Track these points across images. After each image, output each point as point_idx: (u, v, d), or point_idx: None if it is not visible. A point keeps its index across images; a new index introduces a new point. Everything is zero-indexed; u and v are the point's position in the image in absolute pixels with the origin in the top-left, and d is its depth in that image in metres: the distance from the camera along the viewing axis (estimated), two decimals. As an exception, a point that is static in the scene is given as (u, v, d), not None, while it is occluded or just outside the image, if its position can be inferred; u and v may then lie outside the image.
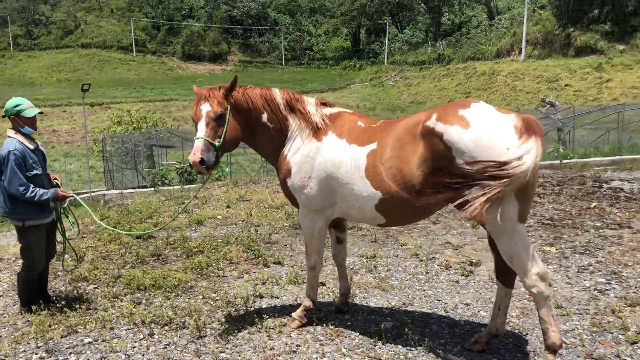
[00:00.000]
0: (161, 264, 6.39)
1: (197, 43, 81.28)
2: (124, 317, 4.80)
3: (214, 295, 5.33)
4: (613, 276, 5.57)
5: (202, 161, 4.01)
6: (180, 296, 5.33)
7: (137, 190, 17.51)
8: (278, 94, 4.47)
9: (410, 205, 3.82)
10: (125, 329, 4.60)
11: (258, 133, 4.46)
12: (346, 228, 4.82)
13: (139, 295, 5.38)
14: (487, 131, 3.47)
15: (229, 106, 4.22)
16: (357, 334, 4.41)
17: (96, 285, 5.73)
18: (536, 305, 3.65)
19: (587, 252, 6.36)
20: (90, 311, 5.02)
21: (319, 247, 4.49)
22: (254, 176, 14.30)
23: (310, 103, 4.48)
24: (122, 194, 16.82)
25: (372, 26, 77.88)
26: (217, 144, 4.12)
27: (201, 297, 5.29)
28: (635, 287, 5.27)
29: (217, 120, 4.15)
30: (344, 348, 4.16)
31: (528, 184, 3.49)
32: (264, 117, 4.40)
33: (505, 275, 3.94)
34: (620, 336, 4.27)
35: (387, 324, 4.52)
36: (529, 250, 3.57)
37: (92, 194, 19.16)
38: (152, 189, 16.09)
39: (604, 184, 9.88)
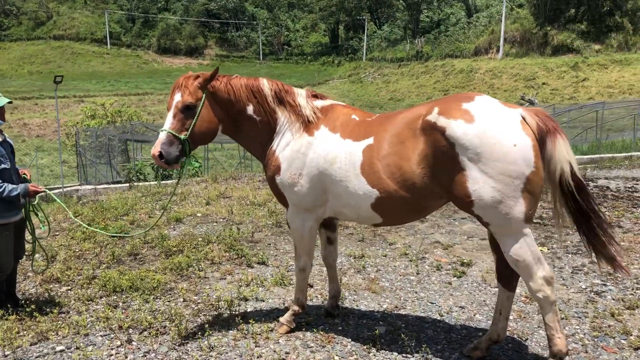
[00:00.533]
0: (139, 264, 6.07)
1: (173, 36, 79.92)
2: (100, 322, 4.48)
3: (196, 297, 5.04)
4: (608, 277, 5.43)
5: (160, 155, 3.82)
6: (160, 299, 5.03)
7: (112, 185, 17.03)
8: (266, 85, 4.18)
9: (409, 204, 3.59)
10: (100, 335, 4.28)
11: (243, 126, 4.19)
12: (337, 227, 4.57)
13: (115, 297, 5.05)
14: (493, 126, 3.25)
15: (203, 97, 3.97)
16: (350, 339, 4.17)
17: (69, 287, 5.39)
18: (541, 310, 3.46)
19: (580, 252, 6.22)
20: (63, 315, 4.69)
21: (309, 248, 4.22)
22: (233, 172, 13.95)
23: (300, 95, 4.19)
24: (95, 189, 16.31)
25: (350, 22, 77.62)
26: (182, 137, 3.90)
27: (182, 299, 4.99)
28: (632, 289, 5.13)
29: (186, 112, 3.92)
30: (336, 355, 3.91)
31: (541, 185, 3.29)
32: (250, 109, 4.12)
33: (507, 278, 3.73)
34: (622, 341, 4.11)
35: (380, 329, 4.28)
36: (535, 252, 3.36)
37: (65, 189, 18.58)
38: (127, 184, 15.63)
39: (589, 182, 9.81)
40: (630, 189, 9.48)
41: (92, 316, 4.63)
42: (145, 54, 79.79)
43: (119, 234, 6.73)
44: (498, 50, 54.83)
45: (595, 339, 4.14)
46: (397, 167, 3.54)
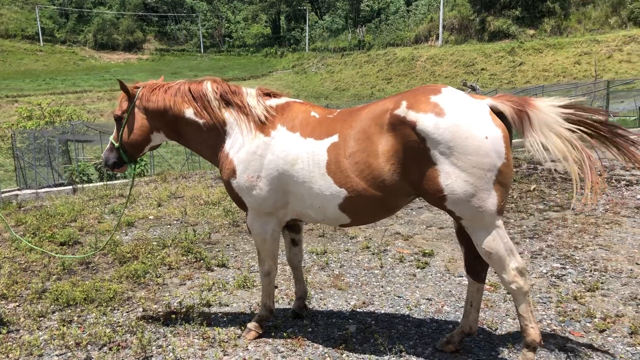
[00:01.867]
0: (91, 273, 5.77)
1: (110, 31, 77.38)
2: (54, 340, 4.19)
3: (156, 306, 4.82)
4: (567, 260, 5.54)
5: (105, 160, 4.29)
6: (118, 310, 4.78)
7: (54, 189, 16.29)
8: (209, 88, 4.06)
9: (379, 202, 3.51)
10: (56, 355, 4.01)
11: (184, 131, 4.13)
12: (302, 229, 4.44)
13: (69, 311, 4.76)
14: (464, 119, 3.20)
15: (129, 108, 4.16)
16: (321, 341, 4.07)
17: (17, 303, 5.05)
18: (515, 301, 3.44)
19: (537, 236, 6.34)
20: (13, 335, 4.37)
21: (273, 251, 4.08)
22: (182, 170, 13.59)
23: (250, 95, 4.04)
24: (37, 193, 15.55)
25: (291, 12, 77.32)
26: (116, 145, 4.22)
27: (141, 309, 4.76)
28: (590, 271, 5.25)
29: (117, 122, 4.25)
30: (309, 358, 3.81)
31: (511, 176, 3.28)
32: (189, 113, 4.04)
33: (476, 270, 3.71)
34: (588, 324, 4.18)
35: (351, 328, 4.21)
36: (507, 244, 3.34)
37: (3, 194, 17.68)
38: (71, 187, 15.00)
39: (538, 165, 10.05)
40: (576, 171, 9.76)
41: (45, 334, 4.34)
42: (82, 50, 76.96)
43: (69, 256, 6.39)
44: (437, 38, 55.85)
45: (562, 324, 4.19)
46: (366, 165, 3.44)
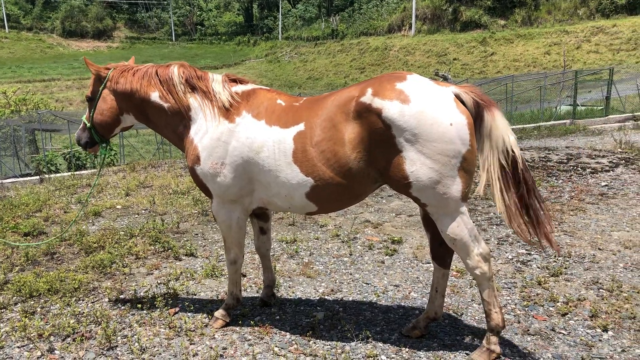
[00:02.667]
0: (56, 264, 5.66)
1: (78, 18, 75.52)
2: (16, 332, 4.10)
3: (122, 296, 4.76)
4: (532, 246, 5.62)
5: (77, 139, 4.36)
6: (83, 300, 4.70)
7: (20, 179, 15.94)
8: (175, 72, 4.04)
9: (346, 190, 3.50)
10: (18, 347, 3.93)
11: (150, 114, 4.13)
12: (270, 217, 4.42)
13: (32, 303, 4.67)
14: (429, 106, 3.21)
15: (100, 89, 4.19)
16: (288, 328, 4.07)
17: (-22, 295, 4.94)
18: (479, 286, 3.49)
19: (503, 223, 6.42)
20: (-27, 327, 4.28)
21: (238, 239, 4.05)
22: (152, 159, 13.41)
23: (215, 80, 4.01)
24: (2, 184, 15.22)
25: (264, 1, 76.64)
26: (88, 124, 4.26)
27: (107, 300, 4.69)
28: (554, 256, 5.35)
29: (89, 102, 4.29)
30: (276, 347, 3.80)
31: (475, 163, 3.31)
32: (155, 96, 4.03)
33: (442, 256, 3.75)
34: (550, 308, 4.26)
35: (319, 315, 4.22)
36: (472, 230, 3.38)
37: (-33, 185, 17.22)
38: (38, 177, 14.69)
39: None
40: (543, 159, 9.92)
41: (6, 326, 4.25)
42: (49, 37, 75.04)
43: (25, 244, 6.25)
44: (410, 28, 55.96)
45: (526, 309, 4.26)
46: (333, 153, 3.43)
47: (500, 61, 45.93)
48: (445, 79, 27.51)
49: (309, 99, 3.86)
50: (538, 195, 3.47)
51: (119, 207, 7.83)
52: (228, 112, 3.85)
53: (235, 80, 4.08)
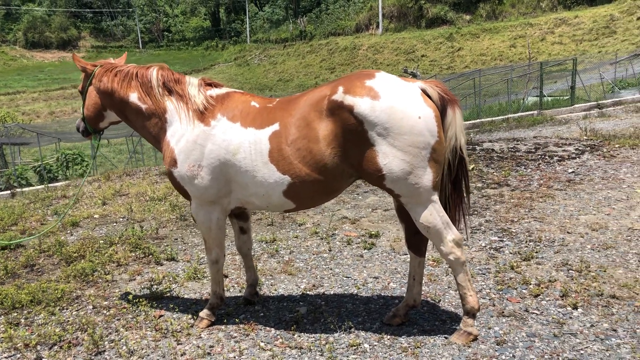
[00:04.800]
0: (37, 275, 5.66)
1: (41, 29, 74.19)
2: (2, 343, 4.14)
3: (106, 303, 4.80)
4: (504, 233, 5.84)
5: (77, 127, 4.62)
6: (67, 309, 4.73)
7: (-9, 195, 15.69)
8: (154, 74, 4.15)
9: (322, 186, 3.62)
10: (5, 357, 3.96)
11: (129, 114, 4.26)
12: (249, 217, 4.52)
13: (15, 314, 4.67)
14: (398, 101, 3.36)
15: (87, 85, 4.34)
16: (273, 324, 4.18)
17: (-40, 310, 4.93)
18: (453, 272, 3.65)
19: (476, 212, 6.62)
20: (-42, 342, 4.29)
21: (219, 240, 4.14)
22: (126, 168, 13.36)
23: (191, 84, 4.11)
24: (-28, 200, 14.97)
25: (231, 4, 76.36)
26: (82, 116, 4.51)
27: (91, 307, 4.73)
28: (526, 242, 5.55)
29: (82, 96, 4.47)
30: (262, 342, 3.91)
31: (444, 153, 3.47)
32: (134, 97, 4.15)
33: (417, 245, 3.90)
34: (523, 291, 4.44)
35: (302, 310, 4.33)
36: (444, 218, 3.54)
37: (-64, 203, 16.87)
38: (9, 191, 14.49)
39: (476, 146, 10.42)
40: (512, 149, 10.19)
41: (-8, 338, 4.27)
42: (12, 49, 73.57)
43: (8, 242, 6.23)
44: (378, 26, 56.39)
45: (500, 292, 4.44)
46: (308, 151, 3.55)
47: (467, 56, 46.61)
48: (414, 75, 27.85)
49: (282, 99, 3.97)
50: (466, 205, 3.86)
51: (96, 216, 7.83)
52: (203, 115, 3.94)
53: (211, 84, 4.18)
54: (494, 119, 18.49)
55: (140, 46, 76.70)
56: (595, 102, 19.88)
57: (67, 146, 23.17)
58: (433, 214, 3.50)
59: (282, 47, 61.98)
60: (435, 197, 3.52)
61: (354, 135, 3.42)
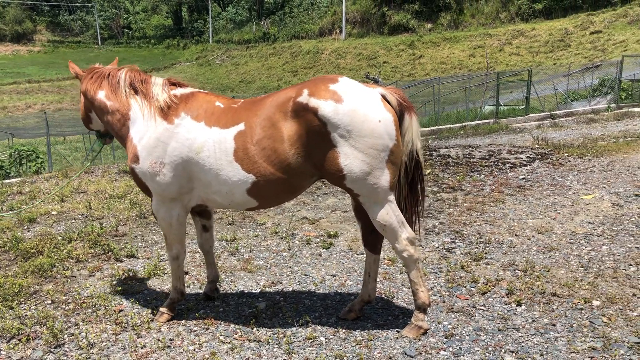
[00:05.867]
0: (-7, 270, 5.62)
1: (-5, 21, 72.14)
2: (-42, 337, 4.13)
3: (65, 297, 4.82)
4: (456, 235, 6.09)
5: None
6: (25, 303, 4.73)
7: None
8: (122, 75, 4.31)
9: (285, 185, 3.77)
10: (-38, 350, 3.97)
11: (98, 113, 4.43)
12: (212, 216, 4.63)
13: (-29, 309, 4.66)
14: (360, 104, 3.54)
15: (80, 89, 4.56)
16: (232, 318, 4.29)
17: None
18: (406, 268, 3.84)
19: (430, 215, 6.87)
20: None
21: (179, 236, 4.24)
22: (82, 166, 13.18)
23: (156, 84, 4.22)
24: None
25: (193, 3, 75.74)
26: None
27: (50, 301, 4.75)
28: (476, 243, 5.82)
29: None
30: (221, 335, 4.02)
31: (401, 155, 3.67)
32: (101, 94, 4.33)
33: (372, 243, 4.09)
34: (472, 289, 4.68)
35: (261, 305, 4.47)
36: (399, 217, 3.73)
37: None
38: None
39: (433, 152, 10.74)
40: (467, 156, 10.55)
41: (-53, 331, 4.25)
42: (-37, 41, 71.09)
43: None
44: (341, 31, 56.90)
45: (450, 290, 4.67)
46: (272, 150, 3.69)
47: (428, 64, 47.54)
48: (375, 81, 28.23)
49: (247, 100, 4.10)
50: (421, 207, 4.10)
51: (54, 213, 7.76)
52: (167, 113, 4.04)
53: (175, 84, 4.29)
54: (451, 126, 18.97)
55: (99, 42, 75.23)
56: (548, 112, 20.62)
57: (20, 142, 22.60)
58: (389, 213, 3.69)
59: (245, 49, 61.87)
60: (392, 197, 3.71)
61: (318, 136, 3.58)
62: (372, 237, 4.05)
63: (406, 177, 3.87)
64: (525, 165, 9.42)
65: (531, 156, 10.20)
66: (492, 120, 19.93)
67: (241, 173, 3.78)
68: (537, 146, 11.63)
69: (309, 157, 3.66)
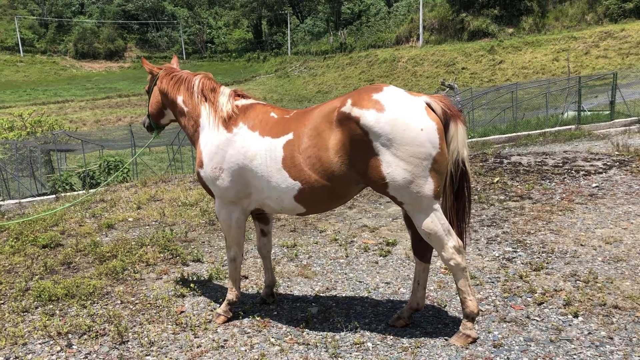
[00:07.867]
0: (72, 272, 6.08)
1: (90, 40, 77.25)
2: (37, 331, 4.51)
3: (133, 299, 5.15)
4: (518, 244, 5.94)
5: (143, 122, 5.25)
6: (97, 303, 5.10)
7: (37, 198, 16.48)
8: (197, 81, 4.62)
9: (330, 192, 3.87)
10: (39, 343, 4.34)
11: (177, 115, 4.79)
12: (271, 220, 4.81)
13: (51, 306, 5.08)
14: (402, 113, 3.58)
15: (152, 85, 4.94)
16: (284, 322, 4.43)
17: (2, 301, 5.36)
18: (454, 277, 3.83)
19: (494, 224, 6.73)
20: (-2, 329, 4.69)
21: (238, 238, 4.45)
22: (163, 175, 13.87)
23: (223, 94, 4.51)
24: (20, 203, 15.74)
25: (273, 17, 77.72)
26: (148, 112, 5.08)
27: (119, 302, 5.09)
28: (538, 253, 5.65)
29: (148, 95, 5.06)
30: (272, 337, 4.16)
31: (446, 164, 3.67)
32: (180, 100, 4.66)
33: (422, 251, 4.09)
34: (528, 299, 4.57)
35: (312, 310, 4.57)
36: (445, 225, 3.72)
37: (-13, 205, 17.78)
38: (54, 196, 15.22)
39: (504, 159, 10.47)
40: (539, 163, 10.20)
41: (29, 326, 4.66)
42: (62, 59, 76.66)
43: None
44: (418, 39, 56.45)
45: (505, 299, 4.58)
46: (317, 158, 3.81)
47: (508, 69, 46.18)
48: (451, 88, 27.80)
49: (298, 111, 4.27)
50: (467, 216, 4.04)
51: (130, 219, 8.25)
52: (228, 122, 4.30)
53: (240, 95, 4.55)
54: (530, 132, 18.34)
55: (184, 57, 78.69)
56: (636, 117, 19.49)
57: (109, 153, 24.05)
58: (434, 221, 3.70)
59: (322, 59, 62.65)
60: (437, 205, 3.72)
61: (360, 145, 3.66)
62: (421, 245, 4.06)
63: (452, 186, 3.86)
64: (601, 173, 8.99)
65: (608, 163, 9.71)
66: (573, 127, 19.08)
67: (288, 180, 3.93)
68: (616, 153, 11.05)
69: (352, 166, 3.74)
